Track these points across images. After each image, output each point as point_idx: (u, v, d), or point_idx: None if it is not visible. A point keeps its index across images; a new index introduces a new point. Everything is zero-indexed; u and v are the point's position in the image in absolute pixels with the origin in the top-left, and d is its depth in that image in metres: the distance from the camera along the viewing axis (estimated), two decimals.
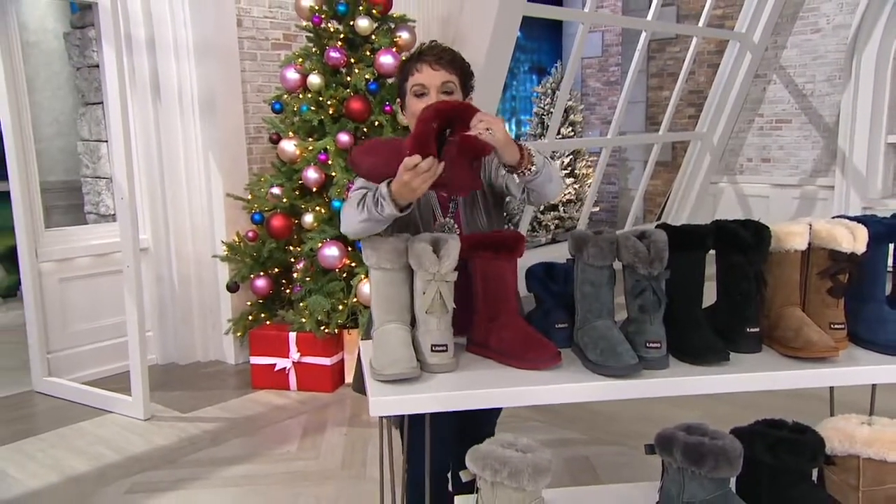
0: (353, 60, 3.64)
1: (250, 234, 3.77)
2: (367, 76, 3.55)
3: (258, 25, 4.07)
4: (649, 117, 7.82)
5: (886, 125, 6.04)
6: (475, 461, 1.32)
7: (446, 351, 1.42)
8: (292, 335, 3.61)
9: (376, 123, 3.60)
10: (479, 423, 1.88)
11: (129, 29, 3.77)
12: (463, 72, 1.65)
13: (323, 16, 3.64)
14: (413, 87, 1.62)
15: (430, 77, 1.60)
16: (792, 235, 1.52)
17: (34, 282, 3.62)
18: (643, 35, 6.00)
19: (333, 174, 3.53)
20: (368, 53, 3.66)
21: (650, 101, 7.81)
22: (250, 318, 3.78)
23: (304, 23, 3.74)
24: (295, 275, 3.69)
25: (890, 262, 1.63)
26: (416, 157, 1.33)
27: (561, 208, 8.56)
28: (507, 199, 1.75)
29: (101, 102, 4.36)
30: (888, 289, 1.63)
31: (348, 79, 3.62)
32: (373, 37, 3.68)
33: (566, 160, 8.67)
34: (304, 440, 3.08)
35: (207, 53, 3.84)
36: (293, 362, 3.63)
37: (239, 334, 3.83)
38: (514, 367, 1.43)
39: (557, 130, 7.19)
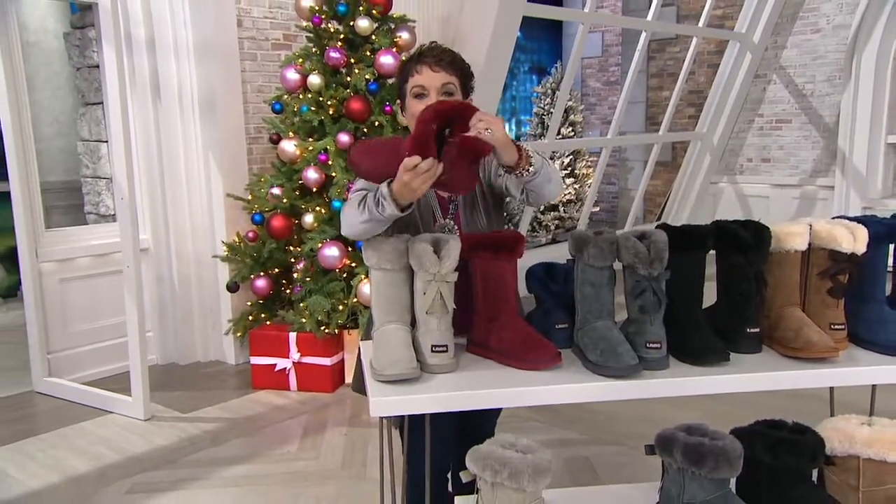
0: (353, 61, 3.65)
1: (250, 235, 3.77)
2: (367, 76, 3.56)
3: (258, 25, 4.07)
4: (649, 117, 7.82)
5: (886, 125, 6.04)
6: (475, 462, 1.32)
7: (446, 351, 1.42)
8: (292, 335, 3.61)
9: (376, 124, 3.60)
10: (478, 424, 1.88)
11: (129, 29, 3.77)
12: (463, 73, 1.65)
13: (323, 16, 3.64)
14: (413, 88, 1.62)
15: (430, 79, 1.60)
16: (792, 236, 1.52)
17: (34, 282, 3.62)
18: (643, 35, 6.00)
19: (333, 174, 3.53)
20: (368, 54, 3.66)
21: (650, 101, 7.81)
22: (250, 318, 3.78)
23: (305, 23, 3.74)
24: (295, 275, 3.69)
25: (890, 262, 1.63)
26: (416, 158, 1.33)
27: (561, 208, 8.56)
28: (507, 199, 1.75)
29: (101, 102, 4.36)
30: (888, 289, 1.63)
31: (348, 79, 3.62)
32: (373, 37, 3.68)
33: (566, 160, 8.67)
34: (304, 440, 3.08)
35: (207, 53, 3.84)
36: (293, 362, 3.63)
37: (239, 334, 3.83)
38: (514, 367, 1.43)
39: (557, 130, 7.19)
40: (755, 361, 1.47)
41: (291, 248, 3.73)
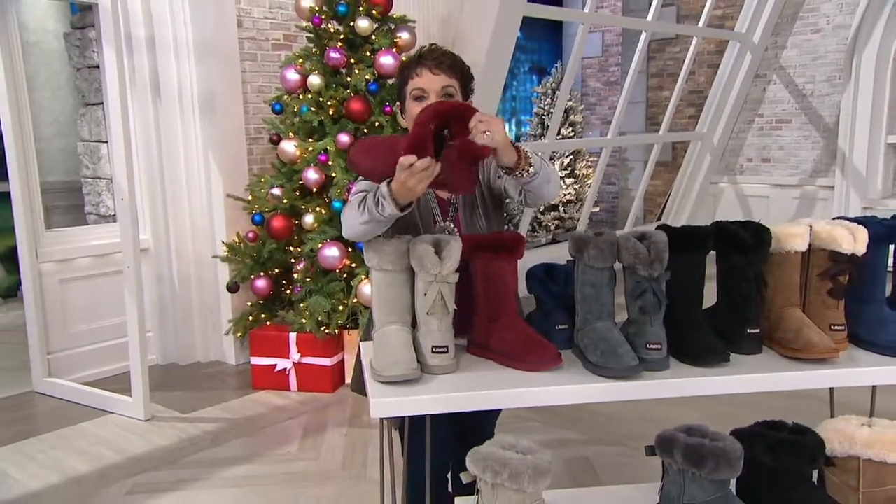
0: (353, 61, 3.65)
1: (250, 235, 3.77)
2: (367, 77, 3.56)
3: (258, 26, 4.07)
4: (649, 117, 7.82)
5: (886, 125, 6.04)
6: (475, 463, 1.32)
7: (447, 352, 1.43)
8: (292, 336, 3.61)
9: (376, 124, 3.60)
10: (478, 425, 1.89)
11: (130, 29, 3.77)
12: (463, 75, 1.65)
13: (323, 16, 3.64)
14: (413, 91, 1.62)
15: (429, 81, 1.60)
16: (792, 237, 1.52)
17: (34, 282, 3.62)
18: (643, 35, 6.00)
19: (334, 175, 3.53)
20: (368, 54, 3.66)
21: (650, 101, 7.81)
22: (250, 318, 3.78)
23: (305, 23, 3.74)
24: (295, 275, 3.69)
25: (890, 263, 1.63)
26: (412, 157, 1.32)
27: (561, 208, 8.56)
28: (507, 200, 1.75)
29: (102, 103, 4.36)
30: (888, 290, 1.63)
31: (348, 79, 3.62)
32: (373, 37, 3.68)
33: (566, 160, 8.67)
34: (304, 441, 3.08)
35: (208, 54, 3.84)
36: (293, 363, 3.63)
37: (239, 335, 3.83)
38: (514, 368, 1.43)
39: (558, 131, 7.19)
40: (755, 362, 1.47)
41: (291, 248, 3.73)
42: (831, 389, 1.77)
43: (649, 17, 5.94)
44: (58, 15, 5.57)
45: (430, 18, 4.33)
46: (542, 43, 10.54)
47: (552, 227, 8.51)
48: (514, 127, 10.54)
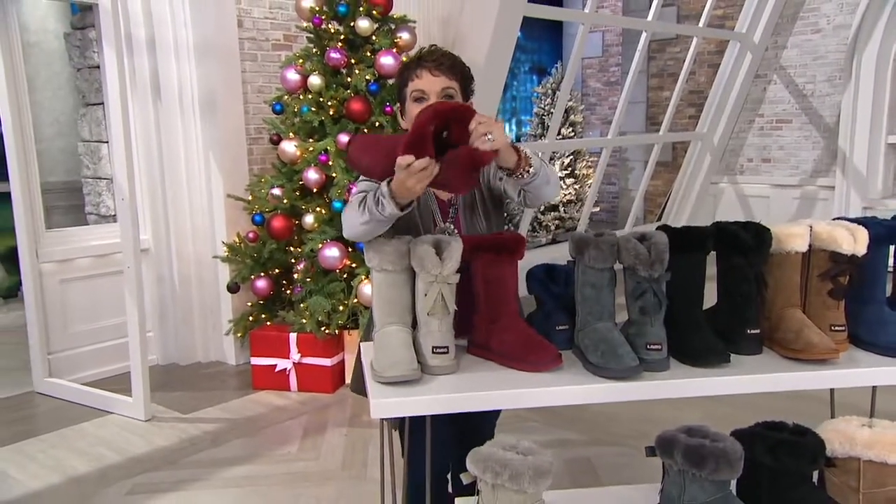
0: (353, 61, 3.65)
1: (251, 235, 3.77)
2: (367, 77, 3.56)
3: (259, 26, 4.07)
4: (650, 117, 7.82)
5: (887, 125, 6.04)
6: (476, 463, 1.32)
7: (447, 353, 1.43)
8: (293, 336, 3.61)
9: (377, 124, 3.60)
10: (478, 425, 1.89)
11: (130, 29, 3.77)
12: (463, 76, 1.65)
13: (323, 17, 3.64)
14: (413, 92, 1.62)
15: (429, 83, 1.60)
16: (792, 237, 1.52)
17: (35, 282, 3.62)
18: (643, 35, 6.00)
19: (334, 175, 3.53)
20: (369, 54, 3.66)
21: (650, 101, 7.82)
22: (251, 318, 3.78)
23: (305, 24, 3.74)
24: (295, 275, 3.69)
25: (890, 263, 1.63)
26: (409, 157, 1.32)
27: (561, 208, 8.56)
28: (507, 201, 1.75)
29: (102, 103, 4.37)
30: (888, 290, 1.63)
31: (349, 80, 3.62)
32: (373, 37, 3.68)
33: (566, 160, 8.68)
34: (304, 441, 3.08)
35: (208, 54, 3.84)
36: (294, 363, 3.63)
37: (239, 335, 3.83)
38: (515, 369, 1.44)
39: (558, 131, 7.19)
40: (755, 363, 1.47)
41: (292, 248, 3.73)
42: (832, 390, 1.77)
43: (649, 17, 5.94)
44: (58, 15, 5.57)
45: (430, 19, 4.33)
46: (542, 43, 10.54)
47: (552, 228, 8.51)
48: (514, 127, 10.54)
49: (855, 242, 1.51)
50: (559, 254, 5.27)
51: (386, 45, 3.64)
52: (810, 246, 1.55)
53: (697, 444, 1.34)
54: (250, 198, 3.84)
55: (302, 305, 3.58)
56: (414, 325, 1.49)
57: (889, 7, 5.83)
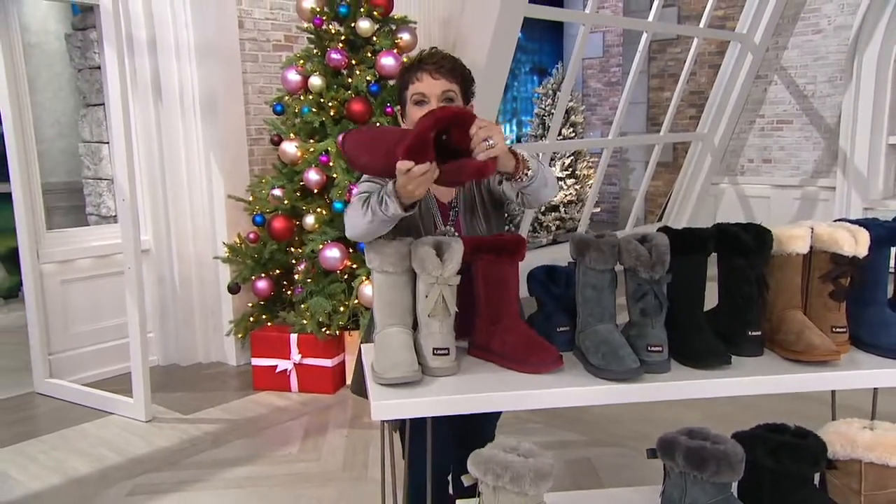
0: (354, 62, 3.65)
1: (251, 236, 3.77)
2: (368, 78, 3.56)
3: (259, 27, 4.07)
4: (650, 118, 7.82)
5: (887, 126, 6.03)
6: (477, 465, 1.32)
7: (448, 354, 1.43)
8: (293, 337, 3.61)
9: (377, 125, 3.60)
10: (479, 426, 1.89)
11: (131, 30, 3.78)
12: (464, 79, 1.65)
13: (324, 17, 3.64)
14: (413, 95, 1.62)
15: (430, 86, 1.60)
16: (794, 239, 1.52)
17: (35, 283, 3.63)
18: (644, 36, 6.00)
19: (335, 176, 3.53)
20: (370, 55, 3.66)
21: (651, 101, 7.81)
22: (251, 319, 3.78)
23: (306, 24, 3.74)
24: (296, 276, 3.69)
25: (892, 265, 1.63)
26: (409, 163, 1.32)
27: (562, 209, 8.56)
28: (507, 202, 1.76)
29: (103, 104, 4.37)
30: (890, 292, 1.63)
31: (349, 80, 3.62)
32: (374, 38, 3.68)
33: (567, 161, 8.68)
34: (305, 442, 3.08)
35: (209, 55, 3.84)
36: (294, 364, 3.63)
37: (240, 336, 3.83)
38: (515, 370, 1.43)
39: (558, 131, 7.19)
40: (756, 364, 1.47)
41: (292, 249, 3.74)
42: (833, 392, 1.77)
43: (650, 18, 5.94)
44: (59, 16, 5.57)
45: (431, 19, 4.33)
46: (542, 44, 10.55)
47: (553, 228, 8.51)
48: (514, 128, 10.55)
49: (856, 244, 1.51)
50: (560, 254, 5.26)
51: (387, 46, 3.65)
52: (811, 247, 1.54)
53: (699, 447, 1.34)
54: (251, 198, 3.84)
55: (303, 306, 3.58)
56: (415, 326, 1.49)
57: (890, 8, 5.83)
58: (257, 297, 3.80)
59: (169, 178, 3.99)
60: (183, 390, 3.72)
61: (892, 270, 1.63)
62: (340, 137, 1.70)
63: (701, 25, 6.38)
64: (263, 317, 3.79)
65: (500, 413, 1.96)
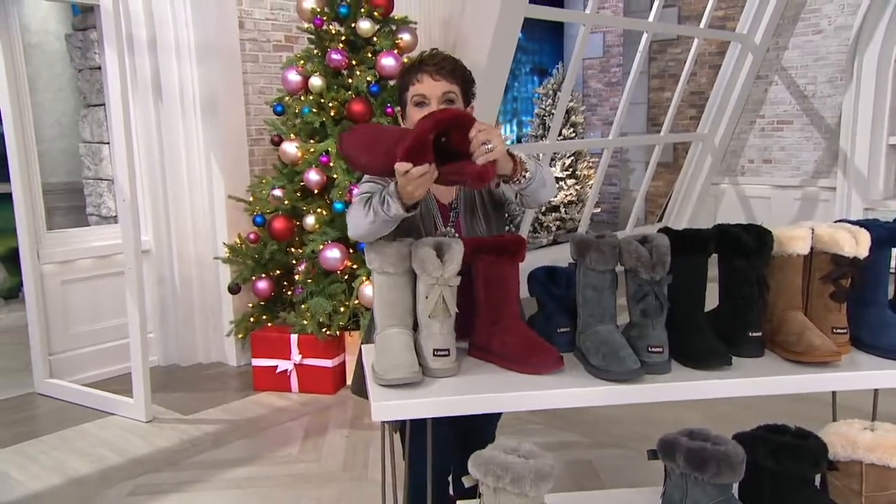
0: (354, 62, 3.65)
1: (252, 236, 3.77)
2: (368, 78, 3.56)
3: (260, 27, 4.07)
4: (651, 118, 7.82)
5: (888, 126, 6.03)
6: (477, 467, 1.31)
7: (448, 355, 1.43)
8: (294, 337, 3.61)
9: (376, 123, 3.60)
10: (479, 427, 1.89)
11: (131, 30, 3.78)
12: (464, 80, 1.65)
13: (324, 18, 3.64)
14: (414, 97, 1.62)
15: (430, 88, 1.60)
16: (794, 240, 1.52)
17: (36, 283, 3.63)
18: (644, 36, 6.00)
19: (335, 176, 3.53)
20: (370, 55, 3.66)
21: (651, 102, 7.81)
22: (252, 319, 3.78)
23: (306, 25, 3.74)
24: (296, 277, 3.69)
25: (892, 266, 1.63)
26: (407, 165, 1.32)
27: (562, 209, 8.56)
28: (508, 203, 1.76)
29: (103, 104, 4.37)
30: (891, 293, 1.63)
31: (350, 81, 3.62)
32: (374, 39, 3.68)
33: (567, 161, 8.68)
34: (305, 442, 3.08)
35: (209, 55, 3.84)
36: (295, 364, 3.63)
37: (240, 336, 3.83)
38: (516, 371, 1.43)
39: (559, 131, 7.19)
40: (757, 365, 1.46)
41: (293, 249, 3.74)
42: (833, 393, 1.77)
43: (650, 18, 5.94)
44: (59, 16, 5.57)
45: (431, 20, 4.33)
46: (543, 44, 10.55)
47: (553, 228, 8.51)
48: (515, 128, 10.55)
49: (857, 245, 1.51)
50: (560, 255, 5.26)
51: (387, 47, 3.65)
52: (812, 248, 1.54)
53: (699, 448, 1.34)
54: (251, 199, 3.84)
55: (303, 306, 3.58)
56: (415, 327, 1.49)
57: (890, 8, 5.82)
58: (258, 297, 3.80)
59: (169, 179, 3.99)
60: (183, 391, 3.72)
61: (892, 271, 1.63)
62: (340, 135, 1.70)
63: (701, 26, 6.38)
64: (264, 317, 3.79)
65: (500, 414, 1.95)
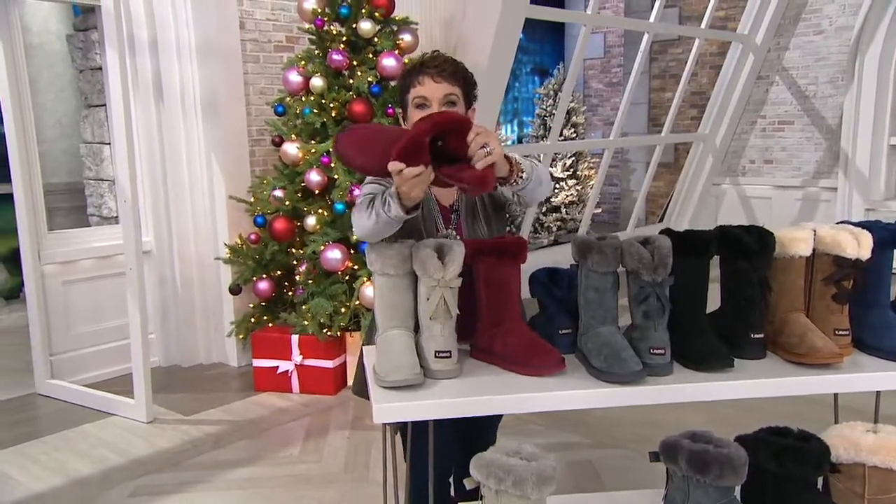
0: (355, 63, 3.64)
1: (253, 237, 3.77)
2: (369, 79, 3.56)
3: (261, 28, 4.07)
4: (651, 119, 7.82)
5: (889, 127, 6.02)
6: (479, 469, 1.31)
7: (450, 357, 1.42)
8: (295, 338, 3.61)
9: (374, 124, 3.60)
10: (480, 428, 1.88)
11: (132, 31, 3.78)
12: (465, 82, 1.65)
13: (325, 18, 3.64)
14: (415, 99, 1.62)
15: (432, 90, 1.60)
16: (796, 241, 1.52)
17: (37, 284, 3.63)
18: (645, 36, 6.00)
19: (336, 177, 3.53)
20: (371, 56, 3.66)
21: (652, 102, 7.81)
22: (253, 320, 3.78)
23: (307, 25, 3.74)
24: (297, 277, 3.69)
25: (895, 267, 1.62)
26: (400, 164, 1.32)
27: (563, 210, 8.56)
28: (509, 204, 1.76)
29: (104, 105, 4.37)
30: (893, 294, 1.63)
31: (351, 81, 3.62)
32: (375, 39, 3.68)
33: (568, 162, 8.68)
34: (306, 443, 3.08)
35: (210, 55, 3.84)
36: (296, 365, 3.63)
37: (241, 337, 3.83)
38: (518, 373, 1.43)
39: (560, 132, 7.18)
40: (759, 367, 1.46)
41: (294, 250, 3.73)
42: (835, 394, 1.76)
43: (651, 19, 5.94)
44: (60, 17, 5.57)
45: (432, 20, 4.33)
46: (544, 44, 10.55)
47: (554, 229, 8.51)
48: (516, 128, 10.55)
49: (859, 246, 1.50)
50: (561, 255, 5.26)
51: (388, 47, 3.64)
52: (814, 250, 1.54)
53: (701, 450, 1.33)
54: (252, 199, 3.84)
55: (304, 307, 3.58)
56: (416, 329, 1.49)
57: (891, 8, 5.82)
58: (258, 297, 3.80)
59: (170, 179, 3.99)
60: (184, 391, 3.72)
61: (895, 273, 1.62)
62: (336, 136, 1.70)
63: (702, 26, 6.37)
64: (265, 318, 3.79)
65: (501, 415, 1.95)
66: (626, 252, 1.44)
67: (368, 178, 1.65)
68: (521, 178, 1.49)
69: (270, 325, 3.78)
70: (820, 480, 1.53)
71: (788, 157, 6.75)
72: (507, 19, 4.32)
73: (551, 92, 8.74)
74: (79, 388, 3.61)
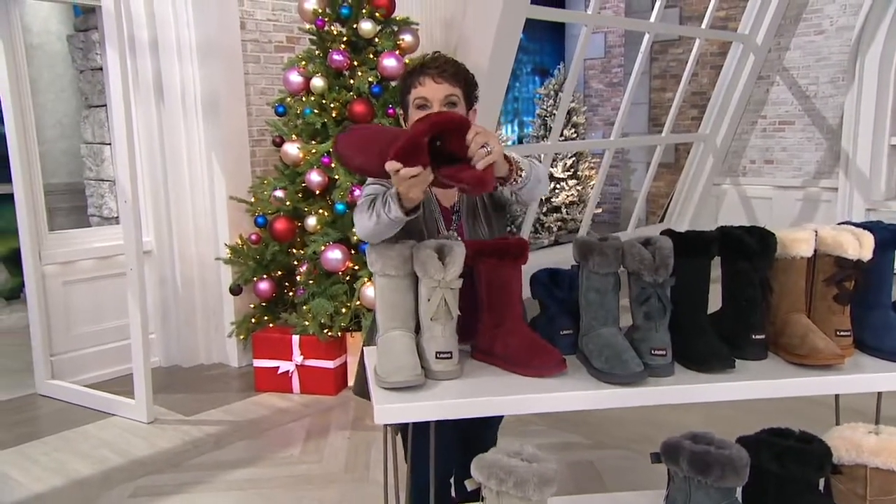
0: (356, 63, 3.64)
1: (253, 237, 3.77)
2: (370, 79, 3.55)
3: (261, 28, 4.07)
4: (652, 119, 7.81)
5: (890, 127, 6.02)
6: (480, 470, 1.31)
7: (451, 358, 1.42)
8: (295, 338, 3.60)
9: (374, 125, 3.60)
10: (481, 429, 1.88)
11: (133, 31, 3.78)
12: (466, 83, 1.65)
13: (326, 19, 3.64)
14: (416, 100, 1.62)
15: (432, 91, 1.60)
16: (798, 242, 1.52)
17: (37, 284, 3.63)
18: (646, 36, 5.99)
19: (336, 177, 3.53)
20: (372, 56, 3.66)
21: (653, 102, 7.80)
22: (253, 320, 3.78)
23: (308, 25, 3.73)
24: (298, 277, 3.69)
25: None
26: (397, 164, 1.32)
27: (564, 210, 8.56)
28: (510, 204, 1.76)
29: (105, 105, 4.37)
30: (894, 295, 1.63)
31: (351, 82, 3.61)
32: (376, 40, 3.68)
33: (569, 162, 8.67)
34: (307, 443, 3.08)
35: (211, 56, 3.84)
36: (296, 365, 3.62)
37: (242, 337, 3.83)
38: (519, 374, 1.43)
39: (560, 132, 7.18)
40: (760, 368, 1.46)
41: (294, 250, 3.73)
42: (837, 395, 1.76)
43: (652, 19, 5.93)
44: (61, 17, 5.57)
45: (433, 21, 4.33)
46: (544, 44, 10.55)
47: (555, 229, 8.51)
48: (516, 128, 10.55)
49: (860, 247, 1.50)
50: (562, 256, 5.26)
51: (389, 48, 3.64)
52: (815, 251, 1.54)
53: (703, 451, 1.33)
54: (253, 200, 3.84)
55: (304, 307, 3.57)
56: (417, 329, 1.48)
57: (892, 9, 5.81)
58: (259, 298, 3.80)
59: (171, 180, 3.99)
60: (185, 392, 3.72)
61: None
62: (335, 137, 1.70)
63: (703, 26, 6.37)
64: (265, 318, 3.79)
65: (502, 415, 1.95)
66: (628, 253, 1.43)
67: (370, 179, 1.65)
68: (521, 177, 1.50)
69: (271, 325, 3.78)
70: (821, 482, 1.53)
71: (789, 158, 6.75)
72: (508, 19, 4.32)
73: (552, 92, 8.74)
74: (79, 388, 3.61)
